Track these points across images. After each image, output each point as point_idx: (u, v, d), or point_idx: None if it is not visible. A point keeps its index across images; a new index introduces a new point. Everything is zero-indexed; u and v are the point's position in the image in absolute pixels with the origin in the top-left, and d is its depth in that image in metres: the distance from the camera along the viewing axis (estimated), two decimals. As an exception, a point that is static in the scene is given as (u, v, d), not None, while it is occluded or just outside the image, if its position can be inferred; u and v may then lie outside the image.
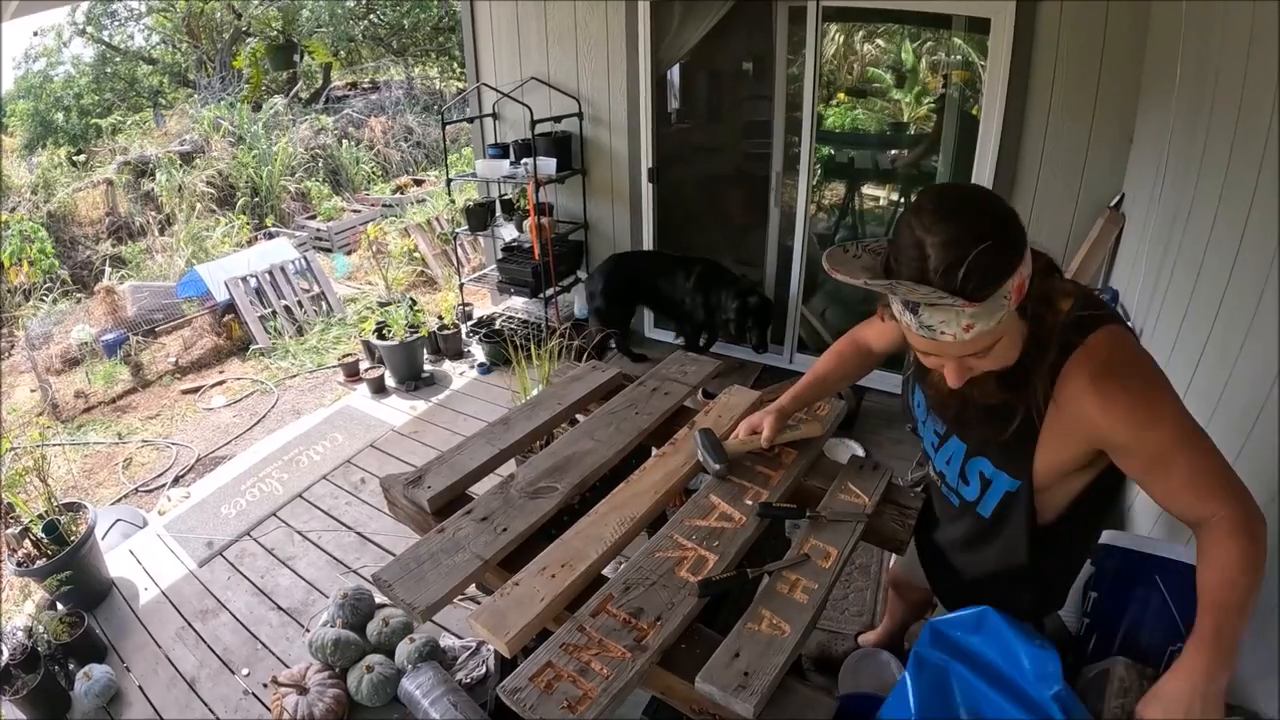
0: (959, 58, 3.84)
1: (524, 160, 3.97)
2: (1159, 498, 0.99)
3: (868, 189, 4.28)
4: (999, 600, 1.19)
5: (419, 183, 8.52)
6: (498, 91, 4.21)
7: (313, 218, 7.56)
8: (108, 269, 6.37)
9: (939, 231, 0.85)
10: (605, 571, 1.36)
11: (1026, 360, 0.98)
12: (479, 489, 1.63)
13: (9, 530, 2.54)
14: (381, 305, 5.04)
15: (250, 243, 6.76)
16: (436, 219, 6.42)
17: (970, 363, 0.95)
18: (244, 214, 7.44)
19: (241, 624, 2.46)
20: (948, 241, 0.85)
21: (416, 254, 6.13)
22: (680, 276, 3.64)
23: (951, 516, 1.33)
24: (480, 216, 4.27)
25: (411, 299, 4.37)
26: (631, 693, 1.09)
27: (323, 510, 3.04)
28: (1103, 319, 0.97)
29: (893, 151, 4.33)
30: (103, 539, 2.84)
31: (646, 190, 4.02)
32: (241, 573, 2.70)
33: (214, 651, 2.35)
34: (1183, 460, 0.94)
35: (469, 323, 4.56)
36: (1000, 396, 1.01)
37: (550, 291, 4.13)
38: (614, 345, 3.98)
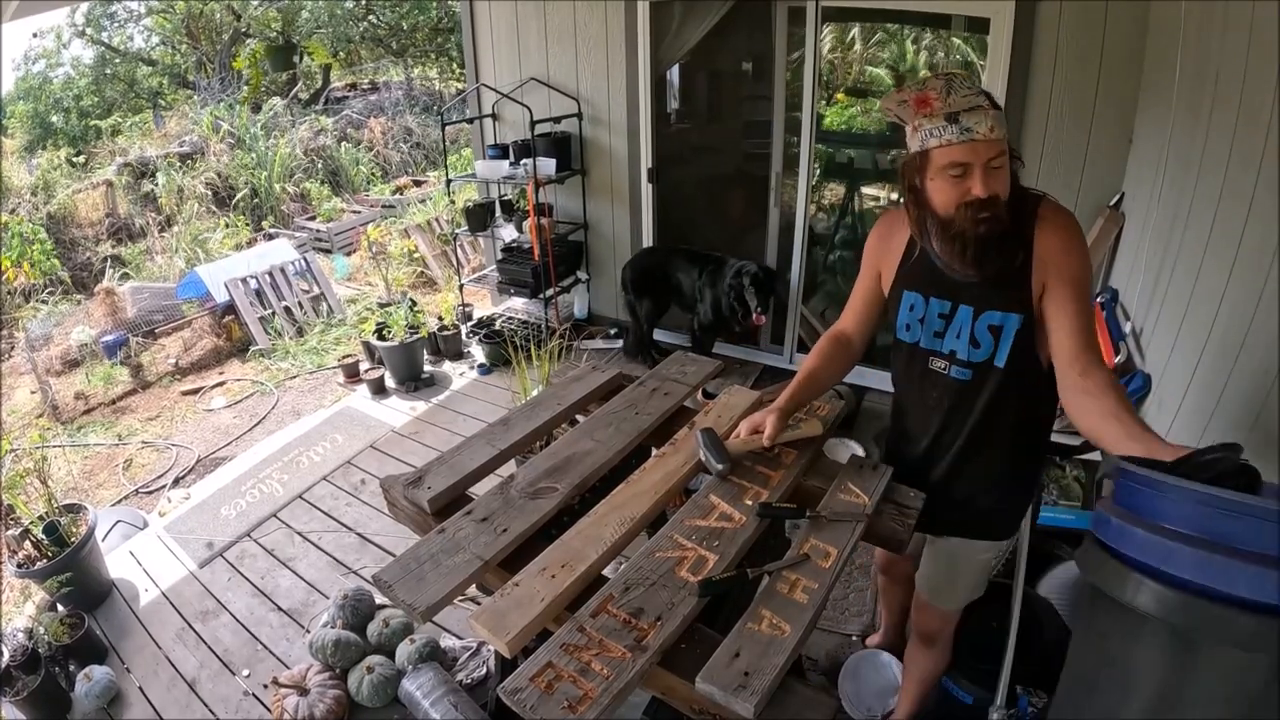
0: (959, 58, 3.84)
1: (523, 161, 3.97)
2: (1055, 333, 1.23)
3: (867, 189, 4.28)
4: (990, 507, 1.48)
5: (419, 183, 8.52)
6: (497, 92, 4.21)
7: (312, 219, 7.57)
8: (108, 270, 6.37)
9: (953, 78, 1.22)
10: (605, 572, 1.36)
11: (1014, 201, 1.25)
12: (479, 489, 1.63)
13: (9, 532, 2.54)
14: (381, 306, 5.04)
15: (250, 244, 6.77)
16: (436, 220, 6.42)
17: (992, 175, 1.19)
18: (244, 215, 7.44)
19: (242, 625, 2.46)
20: (963, 80, 1.21)
21: (416, 255, 6.13)
22: (696, 268, 3.74)
23: (955, 403, 1.42)
24: (480, 217, 4.28)
25: (411, 300, 4.37)
26: (632, 693, 1.09)
27: (323, 511, 3.04)
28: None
29: (892, 151, 4.33)
30: (103, 540, 2.84)
31: (646, 190, 4.03)
32: (242, 574, 2.70)
33: (214, 652, 2.35)
34: (1083, 305, 1.22)
35: (469, 323, 4.56)
36: (1006, 226, 1.24)
37: (550, 292, 4.13)
38: (624, 346, 3.97)
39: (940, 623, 1.65)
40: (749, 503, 1.44)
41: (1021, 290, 1.27)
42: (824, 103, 4.23)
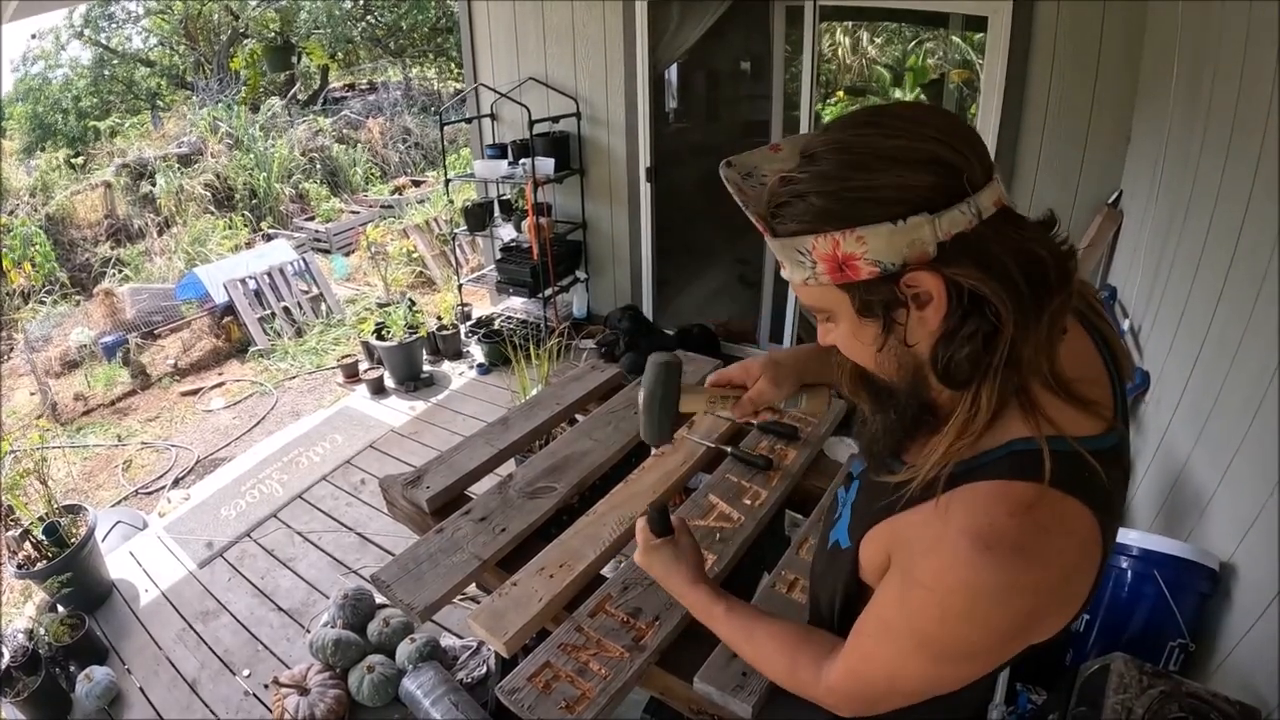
0: (957, 56, 3.84)
1: (522, 160, 3.97)
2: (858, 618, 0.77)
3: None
4: None
5: (417, 183, 8.51)
6: (495, 92, 4.21)
7: (311, 219, 7.56)
8: (107, 271, 6.37)
9: (817, 142, 0.66)
10: (605, 571, 1.37)
11: (895, 399, 0.74)
12: (478, 489, 1.63)
13: (9, 533, 2.54)
14: (380, 306, 5.04)
15: (249, 245, 6.76)
16: (435, 220, 6.41)
17: (825, 325, 0.74)
18: (242, 216, 7.43)
19: (242, 625, 2.46)
20: (807, 154, 0.66)
21: (415, 255, 6.13)
22: None
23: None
24: (479, 217, 4.27)
25: (410, 300, 4.37)
26: (629, 693, 1.10)
27: (323, 511, 3.05)
28: (1071, 473, 0.63)
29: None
30: (103, 541, 2.84)
31: (645, 190, 4.02)
32: (242, 574, 2.70)
33: (215, 653, 2.36)
34: (888, 649, 0.72)
35: (468, 323, 4.56)
36: (873, 416, 0.78)
37: (549, 291, 4.13)
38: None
39: None
40: (748, 503, 1.44)
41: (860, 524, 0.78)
42: (823, 101, 4.23)
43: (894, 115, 0.64)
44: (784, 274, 0.71)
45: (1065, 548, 0.63)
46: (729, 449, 1.59)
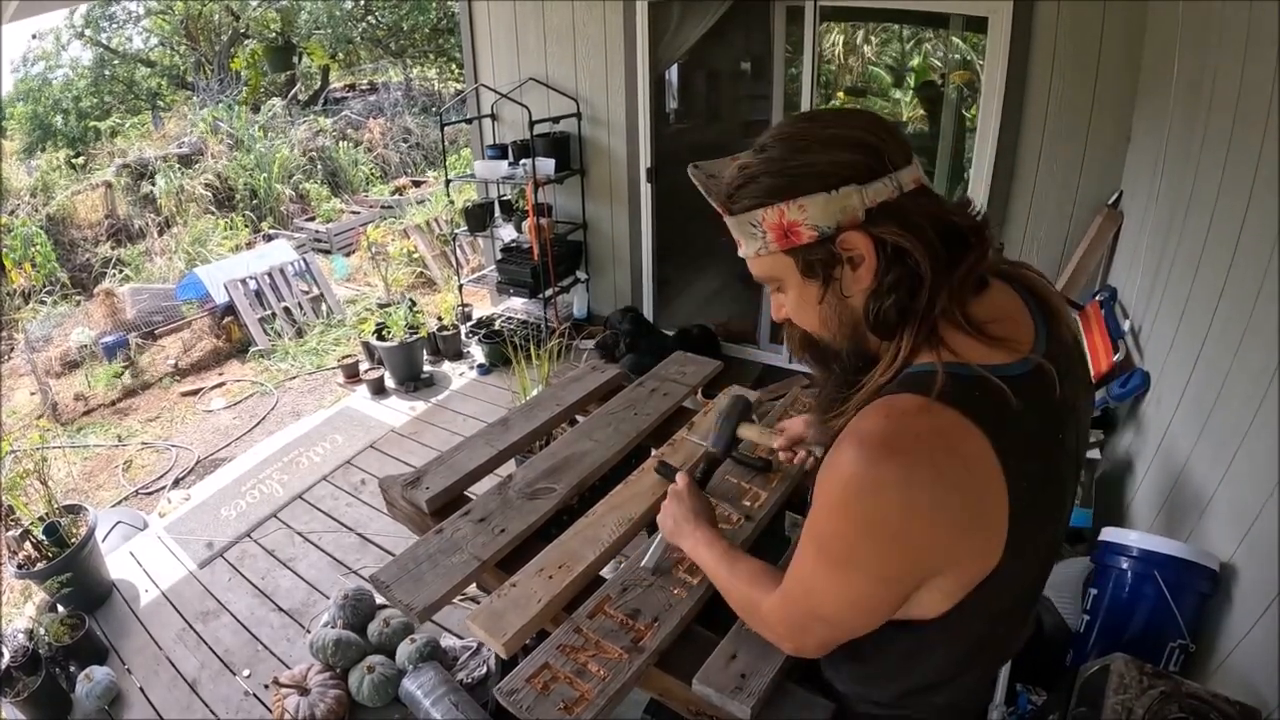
0: (957, 57, 3.84)
1: (523, 161, 3.97)
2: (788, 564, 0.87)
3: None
4: None
5: (418, 184, 8.52)
6: (496, 92, 4.21)
7: (312, 219, 7.57)
8: (107, 271, 6.37)
9: (765, 137, 0.78)
10: (605, 571, 1.37)
11: (838, 358, 0.83)
12: (478, 490, 1.63)
13: (10, 533, 2.54)
14: (381, 306, 5.04)
15: (249, 245, 6.77)
16: (435, 220, 6.41)
17: (777, 296, 0.85)
18: (243, 216, 7.44)
19: (242, 625, 2.46)
20: (757, 147, 0.78)
21: (416, 255, 6.13)
22: None
23: None
24: (479, 217, 4.28)
25: (411, 300, 4.37)
26: (628, 694, 1.09)
27: (323, 511, 3.05)
28: (961, 392, 0.69)
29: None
30: (103, 541, 2.84)
31: (645, 190, 4.03)
32: (242, 574, 2.70)
33: (215, 653, 2.36)
34: (811, 568, 0.81)
35: (468, 323, 4.56)
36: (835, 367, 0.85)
37: (549, 292, 4.13)
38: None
39: None
40: (747, 504, 1.44)
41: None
42: (823, 102, 4.23)
43: (828, 112, 0.82)
44: (741, 251, 0.82)
45: (936, 453, 0.68)
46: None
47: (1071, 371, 0.79)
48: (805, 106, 3.37)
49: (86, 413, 4.38)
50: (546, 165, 3.91)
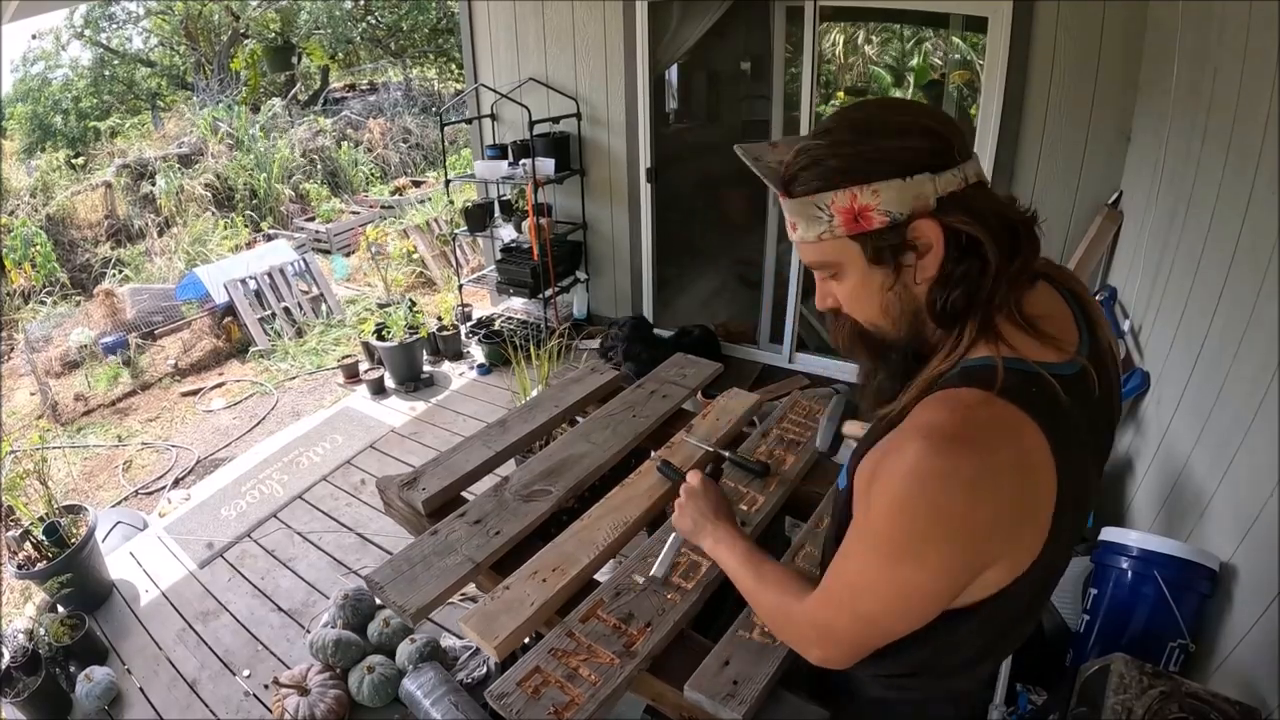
0: (957, 57, 3.84)
1: (522, 161, 3.97)
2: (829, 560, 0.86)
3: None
4: None
5: (418, 184, 8.51)
6: (496, 92, 4.21)
7: (311, 219, 7.56)
8: (107, 272, 6.37)
9: (826, 123, 0.78)
10: (603, 573, 1.36)
11: (890, 342, 0.83)
12: (476, 490, 1.63)
13: (10, 533, 2.54)
14: (381, 307, 5.05)
15: (249, 245, 6.77)
16: (435, 220, 6.41)
17: (828, 284, 0.83)
18: (243, 216, 7.44)
19: (242, 625, 2.46)
20: (818, 131, 0.77)
21: (415, 255, 6.13)
22: None
23: None
24: (479, 217, 4.27)
25: (411, 300, 4.37)
26: (620, 699, 1.09)
27: (323, 511, 3.04)
28: (1019, 386, 0.71)
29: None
30: (103, 541, 2.84)
31: (645, 190, 4.02)
32: (242, 574, 2.70)
33: (215, 653, 2.35)
34: (851, 553, 0.79)
35: (468, 324, 4.56)
36: (884, 357, 0.86)
37: (549, 292, 4.13)
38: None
39: None
40: (745, 508, 1.44)
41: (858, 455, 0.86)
42: (823, 102, 4.23)
43: (891, 100, 0.87)
44: (794, 235, 0.80)
45: (1000, 445, 0.69)
46: (727, 453, 1.59)
47: (1107, 376, 0.81)
48: (805, 106, 3.36)
49: (86, 413, 4.38)
50: (546, 165, 3.90)
